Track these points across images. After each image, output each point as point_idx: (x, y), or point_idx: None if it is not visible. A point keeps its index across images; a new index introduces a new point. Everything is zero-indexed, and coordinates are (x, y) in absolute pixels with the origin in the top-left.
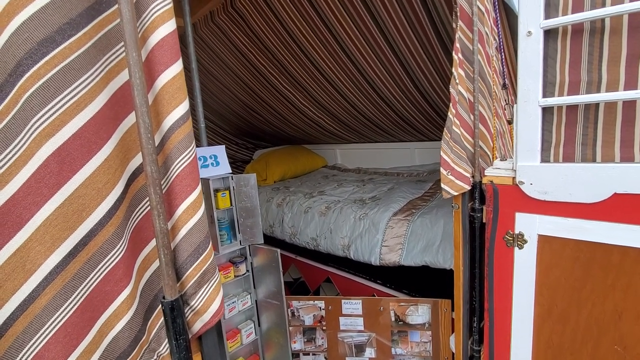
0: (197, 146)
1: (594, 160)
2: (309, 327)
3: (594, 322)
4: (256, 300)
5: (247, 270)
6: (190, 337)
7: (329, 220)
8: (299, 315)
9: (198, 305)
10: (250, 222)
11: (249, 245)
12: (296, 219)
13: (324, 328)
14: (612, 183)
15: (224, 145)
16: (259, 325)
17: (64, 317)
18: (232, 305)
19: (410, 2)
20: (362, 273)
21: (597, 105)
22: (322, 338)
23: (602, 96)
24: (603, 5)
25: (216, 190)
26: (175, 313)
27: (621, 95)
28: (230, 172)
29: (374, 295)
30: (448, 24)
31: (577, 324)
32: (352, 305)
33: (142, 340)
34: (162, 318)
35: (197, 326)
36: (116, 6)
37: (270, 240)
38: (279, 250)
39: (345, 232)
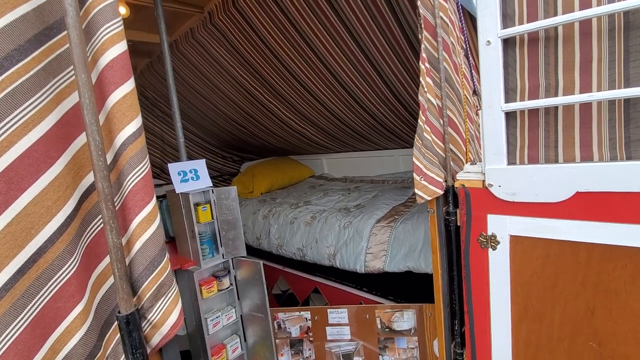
0: (176, 161)
1: (556, 161)
2: (296, 339)
3: (568, 320)
4: (241, 314)
5: (231, 284)
6: (149, 351)
7: (315, 230)
8: (285, 327)
9: (155, 318)
10: (232, 235)
11: (232, 258)
12: (282, 230)
13: (311, 339)
14: (574, 182)
15: (204, 160)
16: (245, 340)
17: (13, 334)
18: (216, 320)
19: (382, 15)
20: (349, 282)
21: (556, 108)
22: (310, 349)
23: (559, 100)
24: (555, 14)
25: (196, 204)
26: (131, 327)
27: (576, 98)
28: (211, 185)
29: (362, 304)
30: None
31: (552, 322)
32: (338, 314)
33: (97, 355)
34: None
35: (156, 339)
36: (66, 31)
37: (257, 252)
38: (261, 262)
39: (331, 241)
